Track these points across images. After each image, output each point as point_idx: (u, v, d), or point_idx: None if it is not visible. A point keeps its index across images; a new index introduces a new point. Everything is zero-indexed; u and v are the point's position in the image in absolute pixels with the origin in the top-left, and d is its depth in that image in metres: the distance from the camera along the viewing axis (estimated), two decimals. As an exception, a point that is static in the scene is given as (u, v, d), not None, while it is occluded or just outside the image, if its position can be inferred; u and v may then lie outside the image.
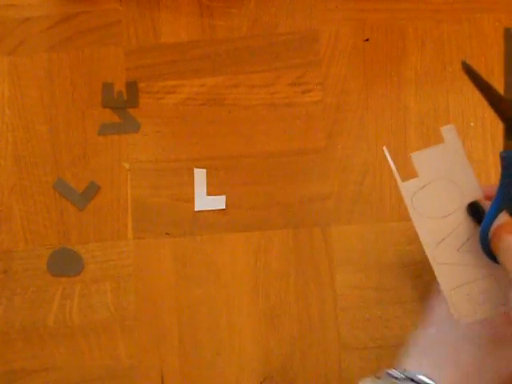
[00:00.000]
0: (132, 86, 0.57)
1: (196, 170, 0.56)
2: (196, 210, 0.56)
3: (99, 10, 0.58)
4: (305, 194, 0.55)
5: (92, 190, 0.56)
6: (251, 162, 0.56)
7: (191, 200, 0.56)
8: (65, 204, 0.56)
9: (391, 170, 0.42)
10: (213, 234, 0.55)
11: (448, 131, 0.42)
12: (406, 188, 0.43)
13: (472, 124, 0.55)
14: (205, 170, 0.56)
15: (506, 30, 0.38)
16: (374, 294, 0.54)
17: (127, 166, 0.57)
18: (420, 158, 0.43)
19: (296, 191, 0.55)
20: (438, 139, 0.55)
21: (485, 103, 0.55)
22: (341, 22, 0.56)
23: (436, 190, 0.43)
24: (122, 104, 0.57)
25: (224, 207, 0.55)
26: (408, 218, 0.55)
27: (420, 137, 0.55)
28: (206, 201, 0.56)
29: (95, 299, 0.55)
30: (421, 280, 0.54)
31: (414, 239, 0.54)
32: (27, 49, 0.58)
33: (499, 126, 0.55)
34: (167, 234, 0.56)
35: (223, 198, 0.56)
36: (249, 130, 0.56)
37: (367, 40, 0.56)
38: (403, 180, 0.43)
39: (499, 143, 0.55)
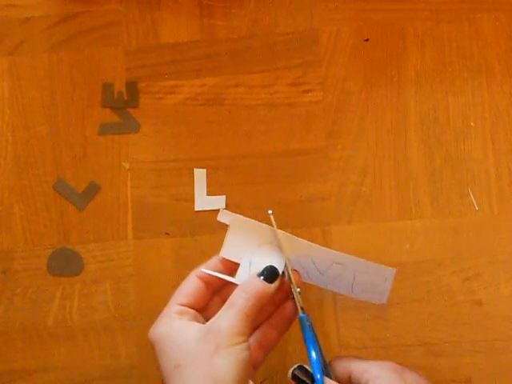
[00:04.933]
0: (132, 86, 0.57)
1: (196, 170, 0.56)
2: (196, 209, 0.56)
3: (99, 10, 0.58)
4: (305, 194, 0.55)
5: (92, 190, 0.56)
6: (251, 162, 0.56)
7: (191, 200, 0.56)
8: (65, 204, 0.56)
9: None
10: (213, 234, 0.55)
11: (224, 216, 0.49)
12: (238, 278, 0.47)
13: (472, 124, 0.55)
14: (205, 170, 0.56)
15: None
16: (374, 294, 0.54)
17: (127, 166, 0.57)
18: (228, 252, 0.48)
19: (296, 191, 0.55)
20: (438, 140, 0.55)
21: (485, 103, 0.55)
22: (341, 21, 0.56)
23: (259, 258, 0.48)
24: (122, 104, 0.57)
25: (224, 207, 0.55)
26: (409, 218, 0.55)
27: (420, 137, 0.55)
28: (206, 201, 0.56)
29: (95, 299, 0.55)
30: (420, 280, 0.54)
31: (414, 239, 0.55)
32: (27, 49, 0.58)
33: (499, 126, 0.55)
34: (167, 234, 0.56)
35: (223, 197, 0.56)
36: (249, 130, 0.56)
37: (367, 40, 0.56)
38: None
39: (499, 143, 0.55)
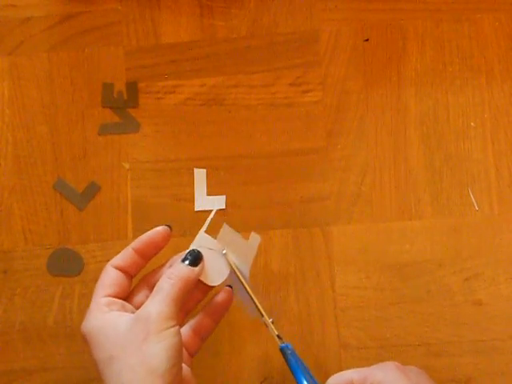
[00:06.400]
0: (132, 86, 0.57)
1: (196, 170, 0.56)
2: (196, 209, 0.56)
3: (99, 9, 0.58)
4: (305, 194, 0.55)
5: (92, 190, 0.56)
6: (251, 162, 0.56)
7: (191, 200, 0.56)
8: (65, 204, 0.56)
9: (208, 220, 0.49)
10: (212, 234, 0.55)
11: (253, 238, 0.49)
12: (199, 239, 0.49)
13: (472, 124, 0.55)
14: (205, 170, 0.56)
15: None
16: (373, 294, 0.54)
17: (127, 166, 0.57)
18: (227, 232, 0.49)
19: (296, 191, 0.55)
20: (438, 140, 0.55)
21: (485, 103, 0.55)
22: (341, 22, 0.56)
23: (213, 261, 0.49)
24: (122, 104, 0.57)
25: (224, 207, 0.55)
26: (409, 218, 0.55)
27: (420, 137, 0.55)
28: (206, 201, 0.56)
29: (95, 299, 0.55)
30: (421, 280, 0.54)
31: (414, 239, 0.55)
32: (27, 49, 0.58)
33: (499, 126, 0.55)
34: (167, 233, 0.56)
35: (223, 198, 0.56)
36: (249, 130, 0.56)
37: (367, 40, 0.56)
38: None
39: (499, 143, 0.55)
